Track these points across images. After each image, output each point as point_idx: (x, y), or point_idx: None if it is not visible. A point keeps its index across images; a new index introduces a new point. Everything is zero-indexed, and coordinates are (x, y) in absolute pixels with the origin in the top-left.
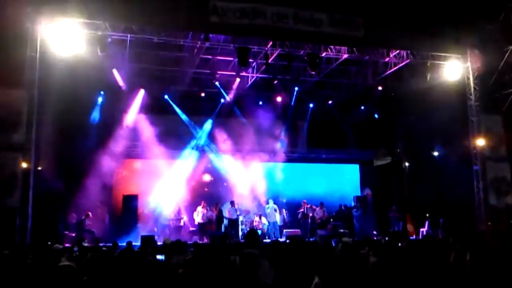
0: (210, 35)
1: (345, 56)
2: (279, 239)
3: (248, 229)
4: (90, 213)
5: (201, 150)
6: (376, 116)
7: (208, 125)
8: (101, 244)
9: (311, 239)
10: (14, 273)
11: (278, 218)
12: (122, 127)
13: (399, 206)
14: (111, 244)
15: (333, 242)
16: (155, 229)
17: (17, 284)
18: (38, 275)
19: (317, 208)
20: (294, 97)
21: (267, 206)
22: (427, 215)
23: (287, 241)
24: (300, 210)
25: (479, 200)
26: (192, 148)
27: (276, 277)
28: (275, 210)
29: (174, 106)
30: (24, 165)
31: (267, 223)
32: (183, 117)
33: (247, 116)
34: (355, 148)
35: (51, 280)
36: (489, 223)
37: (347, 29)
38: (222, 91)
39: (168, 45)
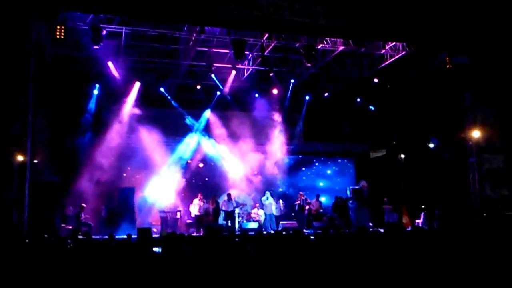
0: (206, 28)
1: (341, 48)
2: (271, 231)
3: (244, 221)
4: (84, 205)
5: (198, 142)
6: (372, 108)
7: (207, 113)
8: (98, 237)
9: (307, 231)
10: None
11: (274, 209)
12: (118, 119)
13: (393, 198)
14: (107, 237)
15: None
16: (152, 222)
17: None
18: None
19: (313, 200)
20: (290, 89)
21: (264, 198)
22: (423, 206)
23: (283, 232)
24: (297, 202)
25: (474, 191)
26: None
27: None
28: (272, 202)
29: (169, 98)
30: (20, 158)
31: (263, 215)
32: (176, 107)
33: (243, 109)
34: (351, 140)
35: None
36: (484, 214)
37: (342, 21)
38: (218, 83)
39: (163, 37)
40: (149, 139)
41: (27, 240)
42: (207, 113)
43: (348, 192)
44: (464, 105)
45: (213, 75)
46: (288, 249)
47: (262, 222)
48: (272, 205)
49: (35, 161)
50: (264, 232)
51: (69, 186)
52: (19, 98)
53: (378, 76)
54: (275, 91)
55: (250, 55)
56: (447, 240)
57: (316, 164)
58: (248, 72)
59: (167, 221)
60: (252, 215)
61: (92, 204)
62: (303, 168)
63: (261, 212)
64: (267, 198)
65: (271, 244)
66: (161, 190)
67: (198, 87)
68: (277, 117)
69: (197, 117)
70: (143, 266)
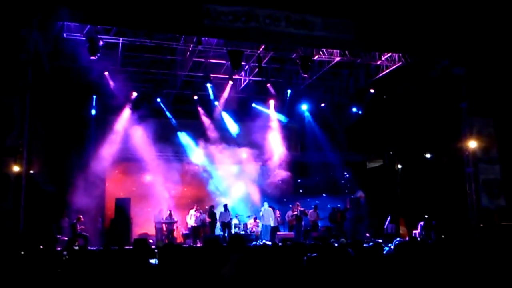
0: (203, 39)
1: (337, 59)
2: (267, 242)
3: (241, 232)
4: (81, 217)
5: (195, 152)
6: (368, 118)
7: (204, 123)
8: (94, 248)
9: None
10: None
11: (271, 220)
12: (114, 130)
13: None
14: (102, 248)
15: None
16: (148, 233)
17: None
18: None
19: (311, 211)
20: (287, 99)
21: (261, 208)
22: (426, 216)
23: (280, 244)
24: (294, 213)
25: (471, 202)
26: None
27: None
28: (269, 213)
29: (165, 110)
30: (16, 168)
31: (261, 226)
32: (173, 118)
33: (240, 119)
34: (348, 150)
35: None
36: (481, 225)
37: (339, 32)
38: (212, 94)
39: (160, 48)
40: (146, 149)
41: (22, 252)
42: (204, 123)
43: (347, 202)
44: (461, 115)
45: (208, 85)
46: (283, 261)
47: (259, 233)
48: (269, 216)
49: (32, 172)
50: (260, 243)
51: (65, 196)
52: (16, 109)
53: (374, 86)
54: (272, 102)
55: (247, 66)
56: (445, 251)
57: (313, 174)
58: (245, 83)
59: (163, 232)
60: (249, 225)
61: (88, 215)
62: (300, 178)
63: (259, 222)
64: (264, 209)
65: (264, 256)
66: (157, 201)
67: (195, 97)
68: (274, 127)
69: (194, 127)
70: (139, 278)
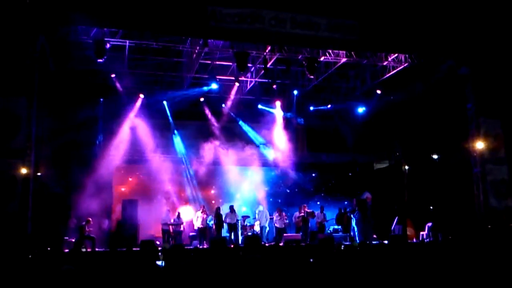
0: (209, 40)
1: (344, 60)
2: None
3: (248, 233)
4: (90, 219)
5: (200, 154)
6: (375, 119)
7: (211, 125)
8: (102, 249)
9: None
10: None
11: (277, 221)
12: (121, 132)
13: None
14: (109, 249)
15: None
16: (155, 235)
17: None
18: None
19: (317, 212)
20: (293, 101)
21: (256, 210)
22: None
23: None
24: (301, 214)
25: (479, 202)
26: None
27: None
28: (263, 215)
29: (172, 112)
30: (23, 170)
31: (267, 227)
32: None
33: (246, 121)
34: (355, 151)
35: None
36: (489, 226)
37: (344, 33)
38: (221, 95)
39: (167, 50)
40: (153, 151)
41: (30, 256)
42: (211, 125)
43: (354, 203)
44: (468, 116)
45: (215, 86)
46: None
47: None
48: (263, 218)
49: (39, 174)
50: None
51: (72, 198)
52: (23, 111)
53: (381, 87)
54: (278, 103)
55: (253, 68)
56: (453, 252)
57: (320, 175)
58: (251, 85)
59: (170, 234)
60: (255, 227)
61: (95, 217)
62: (307, 179)
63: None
64: (259, 211)
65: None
66: (164, 203)
67: (202, 99)
68: (281, 128)
69: (200, 128)
70: (146, 280)
